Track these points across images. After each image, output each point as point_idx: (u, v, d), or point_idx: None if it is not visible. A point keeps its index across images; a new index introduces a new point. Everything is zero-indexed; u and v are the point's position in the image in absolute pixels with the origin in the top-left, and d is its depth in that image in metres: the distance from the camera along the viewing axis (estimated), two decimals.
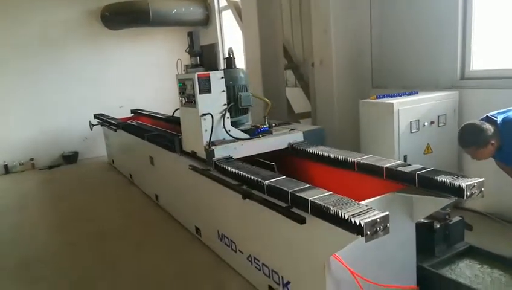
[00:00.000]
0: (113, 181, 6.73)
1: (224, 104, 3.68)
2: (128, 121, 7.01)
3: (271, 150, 3.73)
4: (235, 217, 3.32)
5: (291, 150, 3.77)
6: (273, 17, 5.42)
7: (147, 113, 7.27)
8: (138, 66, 8.78)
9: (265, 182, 2.68)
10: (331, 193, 2.32)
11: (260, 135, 3.78)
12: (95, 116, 7.67)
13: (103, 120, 7.30)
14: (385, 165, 2.78)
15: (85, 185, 6.75)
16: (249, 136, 3.77)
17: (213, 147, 3.49)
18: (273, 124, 4.10)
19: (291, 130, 3.99)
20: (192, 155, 3.83)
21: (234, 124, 3.84)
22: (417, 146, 3.94)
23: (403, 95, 4.12)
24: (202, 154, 3.61)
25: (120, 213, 5.22)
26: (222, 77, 3.65)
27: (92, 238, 4.48)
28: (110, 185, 6.57)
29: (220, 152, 3.49)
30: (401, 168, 2.67)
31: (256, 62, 5.39)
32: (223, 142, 3.64)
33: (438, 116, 4.01)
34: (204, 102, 3.58)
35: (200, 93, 3.55)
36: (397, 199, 2.55)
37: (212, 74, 3.61)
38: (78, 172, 7.68)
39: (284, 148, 3.80)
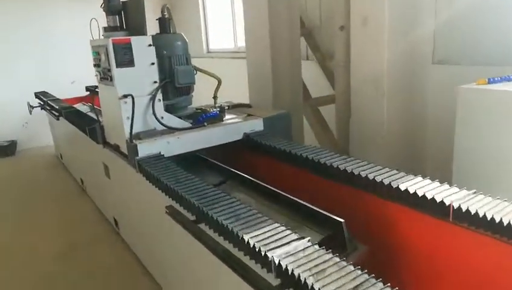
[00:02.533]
0: (59, 186, 5.09)
1: (155, 82, 2.71)
2: (77, 104, 5.26)
3: (219, 143, 2.81)
4: None
5: (248, 143, 2.86)
6: None
7: None
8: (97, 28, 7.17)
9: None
10: None
11: (205, 123, 2.84)
12: (36, 96, 5.92)
13: (44, 102, 5.47)
14: None
15: (17, 191, 5.06)
16: (190, 125, 2.83)
17: (136, 142, 2.55)
18: (226, 107, 3.15)
19: (248, 115, 3.06)
20: (116, 149, 2.89)
21: (171, 109, 2.89)
22: None
23: None
24: (125, 149, 2.67)
25: (60, 246, 3.51)
26: (150, 44, 2.66)
27: None
28: (54, 191, 4.93)
29: (146, 148, 2.54)
30: None
31: (262, 27, 3.62)
32: (153, 133, 2.69)
33: None
34: (124, 78, 2.60)
35: (117, 67, 2.56)
36: None
37: (135, 39, 2.61)
38: (13, 169, 5.98)
39: (238, 140, 2.88)
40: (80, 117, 4.12)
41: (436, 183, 1.78)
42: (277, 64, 3.58)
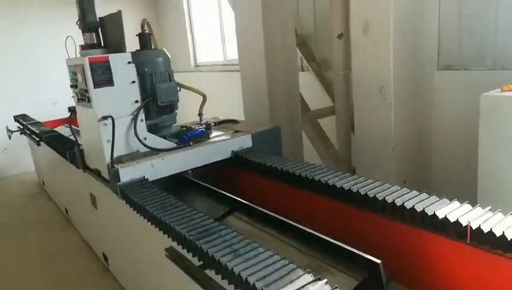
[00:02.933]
0: (41, 216, 4.73)
1: (137, 101, 2.56)
2: (60, 127, 4.88)
3: (206, 163, 2.67)
4: None
5: (236, 161, 2.72)
6: None
7: None
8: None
9: None
10: None
11: (191, 142, 2.69)
12: (16, 119, 5.55)
13: (24, 126, 5.13)
14: None
15: None
16: (175, 145, 2.68)
17: (118, 166, 2.39)
18: (212, 124, 3.02)
19: (236, 131, 2.92)
20: (97, 174, 2.72)
21: (154, 129, 2.74)
22: None
23: None
24: (107, 174, 2.51)
25: (44, 286, 3.26)
26: (130, 62, 2.52)
27: None
28: (36, 222, 4.57)
29: (128, 173, 2.39)
30: None
31: (256, 41, 3.38)
32: (136, 156, 2.53)
33: None
34: (102, 99, 2.45)
35: (95, 87, 2.41)
36: None
37: (113, 56, 2.47)
38: None
39: (226, 159, 2.75)
40: (61, 141, 3.85)
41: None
42: (272, 78, 3.43)
